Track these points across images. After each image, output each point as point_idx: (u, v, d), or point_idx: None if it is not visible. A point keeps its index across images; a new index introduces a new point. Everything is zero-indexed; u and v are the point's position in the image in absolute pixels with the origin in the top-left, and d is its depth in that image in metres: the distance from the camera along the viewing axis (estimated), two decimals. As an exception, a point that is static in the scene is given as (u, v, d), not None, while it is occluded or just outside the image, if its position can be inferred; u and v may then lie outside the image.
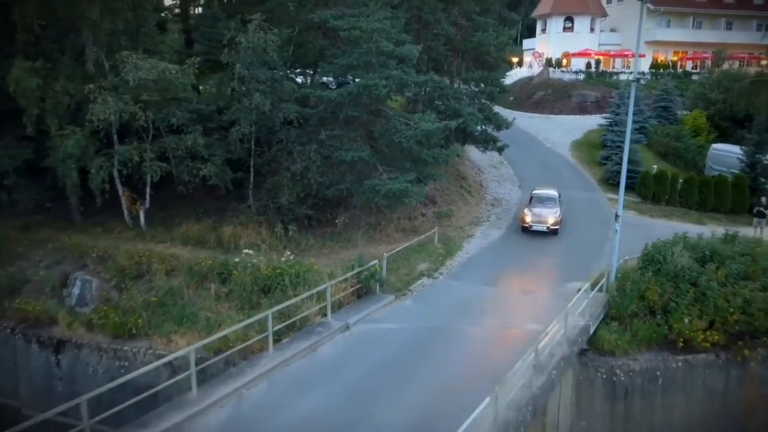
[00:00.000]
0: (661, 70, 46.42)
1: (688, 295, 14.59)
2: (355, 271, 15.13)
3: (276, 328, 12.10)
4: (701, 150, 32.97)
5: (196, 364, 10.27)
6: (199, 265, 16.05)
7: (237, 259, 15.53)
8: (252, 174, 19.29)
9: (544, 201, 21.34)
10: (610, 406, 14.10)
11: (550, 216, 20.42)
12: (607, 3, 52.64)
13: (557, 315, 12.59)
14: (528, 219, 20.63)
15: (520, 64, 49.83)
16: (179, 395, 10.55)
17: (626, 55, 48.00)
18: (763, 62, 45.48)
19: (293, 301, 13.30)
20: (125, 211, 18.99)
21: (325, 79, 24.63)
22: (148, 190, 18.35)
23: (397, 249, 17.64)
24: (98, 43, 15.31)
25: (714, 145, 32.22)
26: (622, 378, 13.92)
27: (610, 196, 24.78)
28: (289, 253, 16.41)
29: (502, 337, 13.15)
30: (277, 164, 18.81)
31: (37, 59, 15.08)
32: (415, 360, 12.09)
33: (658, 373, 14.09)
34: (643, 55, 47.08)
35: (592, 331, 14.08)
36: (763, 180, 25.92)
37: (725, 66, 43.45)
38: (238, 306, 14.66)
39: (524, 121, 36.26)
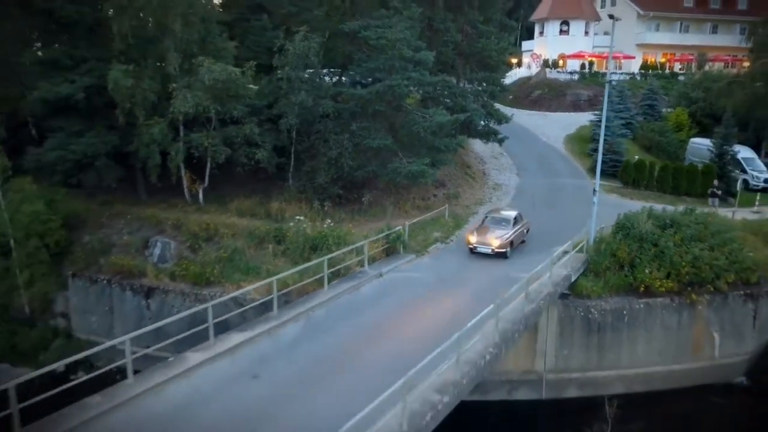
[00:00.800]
0: (650, 71, 50.48)
1: (649, 252, 18.61)
2: (384, 234, 19.17)
3: (327, 272, 16.07)
4: (682, 144, 37.14)
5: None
6: (257, 230, 20.06)
7: (291, 224, 19.54)
8: (293, 159, 23.31)
9: (497, 223, 20.55)
10: (586, 339, 18.15)
11: (495, 239, 19.56)
12: (601, 8, 56.69)
13: (558, 268, 16.70)
14: (473, 240, 19.84)
15: (519, 64, 53.82)
16: (263, 314, 14.58)
17: (618, 57, 52.05)
18: (745, 64, 49.58)
19: (339, 252, 17.32)
20: (185, 190, 22.96)
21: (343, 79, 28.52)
22: (207, 171, 22.34)
23: (415, 221, 21.67)
24: (178, 50, 19.30)
25: (692, 139, 36.42)
26: (596, 316, 17.98)
27: (598, 184, 28.71)
28: (329, 221, 20.44)
29: (502, 281, 17.16)
30: (314, 150, 22.83)
31: (129, 63, 19.05)
32: (434, 295, 16.15)
33: (624, 312, 18.14)
34: (633, 57, 51.25)
35: (573, 280, 18.11)
36: (729, 168, 30.06)
37: (706, 68, 47.57)
38: (292, 260, 18.63)
39: (522, 117, 40.30)
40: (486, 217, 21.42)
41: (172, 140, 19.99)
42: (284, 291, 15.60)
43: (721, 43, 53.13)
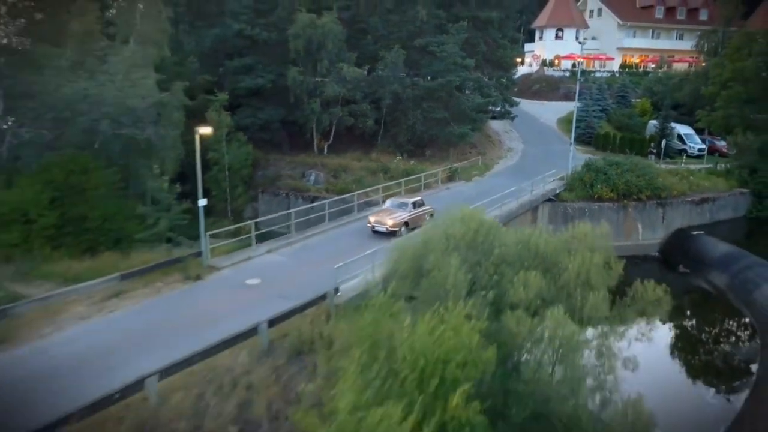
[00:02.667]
0: (625, 70, 65.64)
1: (601, 177, 33.54)
2: (447, 167, 34.14)
3: (420, 184, 30.94)
4: (644, 124, 52.21)
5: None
6: (370, 166, 34.91)
7: (395, 161, 34.48)
8: (383, 126, 38.19)
9: (397, 206, 24.57)
10: (564, 223, 33.13)
11: (389, 219, 23.25)
12: (589, 17, 71.81)
13: (548, 184, 31.73)
14: (372, 220, 23.73)
15: (522, 63, 68.77)
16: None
17: (602, 58, 67.21)
18: (703, 64, 64.72)
19: (425, 173, 32.23)
20: (315, 145, 37.77)
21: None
22: (332, 133, 37.18)
23: (461, 164, 36.57)
24: (328, 58, 34.10)
25: (650, 121, 51.51)
26: (570, 210, 32.95)
27: (577, 147, 43.65)
28: (413, 162, 35.38)
29: (519, 191, 31.92)
30: (397, 121, 37.68)
31: (299, 66, 33.79)
32: (479, 194, 31.08)
33: (586, 210, 33.06)
34: (613, 58, 66.46)
35: (557, 192, 33.11)
36: (669, 140, 45.17)
37: (665, 68, 62.90)
38: (395, 182, 33.47)
39: (525, 105, 55.09)
40: (388, 201, 25.77)
41: (321, 113, 34.79)
42: (398, 190, 30.49)
43: (685, 48, 68.09)
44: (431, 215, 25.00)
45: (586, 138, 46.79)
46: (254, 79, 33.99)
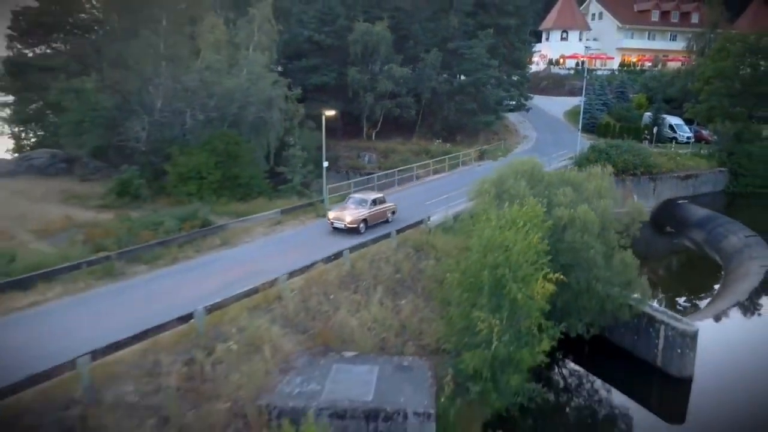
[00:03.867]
0: (624, 68, 74.66)
1: (603, 156, 42.35)
2: (478, 149, 42.91)
3: (458, 161, 39.69)
4: (640, 116, 61.13)
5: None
6: (413, 148, 43.60)
7: (434, 144, 43.22)
8: (421, 115, 46.90)
9: (356, 203, 24.73)
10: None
11: (348, 215, 23.67)
12: (591, 20, 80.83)
13: (560, 162, 40.54)
14: (331, 216, 24.18)
15: (530, 62, 77.62)
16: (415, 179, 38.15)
17: (602, 58, 76.21)
18: (694, 63, 73.74)
19: (457, 153, 40.98)
20: (364, 132, 46.41)
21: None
22: (380, 122, 45.85)
23: (486, 147, 45.32)
24: (380, 59, 42.74)
25: (645, 113, 60.45)
26: (578, 183, 41.70)
27: (582, 135, 52.46)
28: (449, 145, 44.12)
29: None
30: (433, 111, 46.43)
31: (358, 66, 42.38)
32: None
33: (591, 182, 41.84)
34: (612, 58, 75.46)
35: (567, 168, 41.87)
36: (660, 128, 54.07)
37: (660, 66, 71.98)
38: (435, 159, 42.17)
39: (535, 100, 63.77)
40: (349, 197, 25.79)
41: (373, 105, 43.40)
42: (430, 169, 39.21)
43: (678, 48, 77.18)
44: (393, 212, 25.62)
45: (589, 127, 55.55)
46: (320, 77, 42.53)
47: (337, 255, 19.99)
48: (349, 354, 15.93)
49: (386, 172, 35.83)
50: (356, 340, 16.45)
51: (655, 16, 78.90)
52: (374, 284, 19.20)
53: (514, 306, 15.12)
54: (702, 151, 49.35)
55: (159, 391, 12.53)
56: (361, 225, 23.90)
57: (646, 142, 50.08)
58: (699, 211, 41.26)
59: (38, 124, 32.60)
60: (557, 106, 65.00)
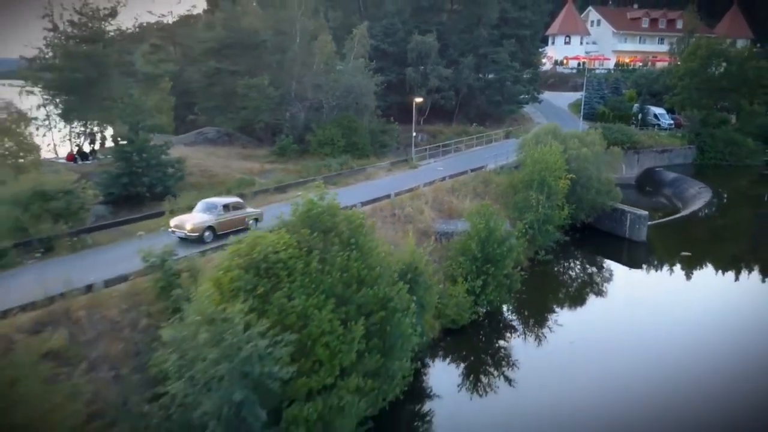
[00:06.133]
0: (619, 68, 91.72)
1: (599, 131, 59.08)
2: (504, 129, 59.59)
3: (491, 139, 56.38)
4: (631, 107, 78.01)
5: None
6: (454, 130, 60.18)
7: (471, 127, 59.90)
8: (458, 105, 63.58)
9: (205, 208, 24.12)
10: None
11: (189, 223, 22.87)
12: (590, 26, 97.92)
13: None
14: (171, 224, 23.43)
15: (540, 63, 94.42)
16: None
17: (600, 59, 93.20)
18: (677, 63, 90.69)
19: (489, 133, 57.66)
20: (414, 120, 62.98)
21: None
22: (427, 111, 62.51)
23: (510, 129, 62.00)
24: (430, 62, 59.30)
25: (635, 105, 77.36)
26: (581, 155, 58.51)
27: (583, 121, 69.11)
28: (482, 128, 60.80)
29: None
30: (469, 102, 63.12)
31: (412, 67, 58.86)
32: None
33: (590, 154, 58.63)
34: (609, 59, 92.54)
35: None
36: (646, 117, 70.82)
37: (649, 66, 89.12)
38: (470, 137, 58.73)
39: (544, 95, 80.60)
40: (200, 202, 24.91)
41: (425, 96, 60.01)
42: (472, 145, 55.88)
43: (665, 50, 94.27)
44: (257, 219, 24.55)
45: (589, 116, 72.30)
46: (385, 76, 59.00)
47: (442, 179, 36.48)
48: (461, 220, 32.37)
49: (440, 143, 52.26)
50: (464, 214, 32.87)
51: (645, 23, 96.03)
52: (465, 193, 35.67)
53: (549, 190, 31.62)
54: (677, 133, 66.22)
55: (394, 215, 28.91)
56: (207, 233, 23.18)
57: (634, 126, 66.85)
58: (670, 176, 58.06)
59: (212, 112, 48.90)
60: (562, 99, 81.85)
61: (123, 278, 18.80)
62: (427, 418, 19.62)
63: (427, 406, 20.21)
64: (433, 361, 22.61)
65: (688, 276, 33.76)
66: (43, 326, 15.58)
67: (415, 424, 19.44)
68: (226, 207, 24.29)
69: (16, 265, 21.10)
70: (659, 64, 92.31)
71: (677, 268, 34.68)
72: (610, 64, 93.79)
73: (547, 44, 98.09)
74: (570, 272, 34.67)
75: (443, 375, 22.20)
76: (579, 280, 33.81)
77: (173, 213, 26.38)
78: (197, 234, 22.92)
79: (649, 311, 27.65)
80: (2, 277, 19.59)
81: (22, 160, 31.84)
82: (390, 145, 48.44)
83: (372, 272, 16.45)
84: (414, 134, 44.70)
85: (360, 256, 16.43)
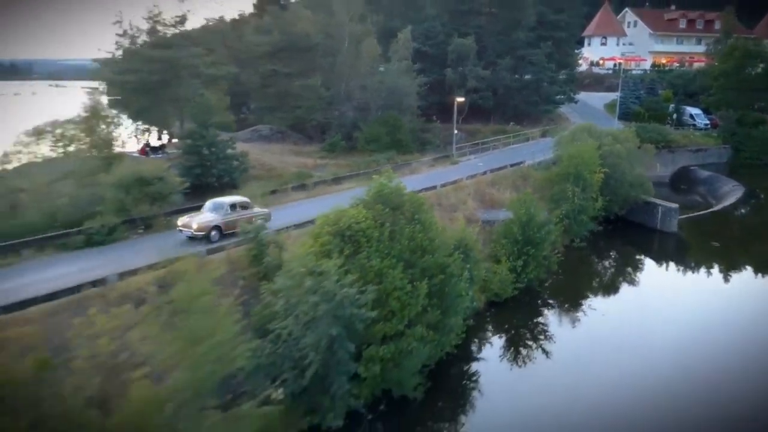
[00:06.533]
0: (655, 68, 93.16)
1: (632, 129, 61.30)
2: (540, 128, 62.31)
3: (527, 137, 59.18)
4: (667, 107, 79.67)
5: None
6: (492, 129, 63.13)
7: (509, 126, 62.80)
8: (496, 105, 66.49)
9: (212, 208, 24.94)
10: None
11: (196, 222, 23.84)
12: (627, 27, 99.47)
13: None
14: (179, 223, 24.37)
15: (576, 64, 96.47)
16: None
17: (636, 59, 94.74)
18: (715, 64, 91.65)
19: (525, 132, 60.45)
20: (455, 117, 66.17)
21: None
22: (466, 110, 65.59)
23: (546, 128, 64.65)
24: (469, 64, 62.40)
25: (671, 105, 78.99)
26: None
27: (618, 121, 71.14)
28: (518, 127, 63.62)
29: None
30: (506, 101, 65.99)
31: (452, 68, 62.01)
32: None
33: (625, 153, 60.90)
34: (645, 59, 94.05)
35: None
36: (682, 117, 72.53)
37: (685, 66, 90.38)
38: (508, 135, 61.57)
39: (580, 95, 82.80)
40: (208, 202, 25.83)
41: (464, 95, 63.13)
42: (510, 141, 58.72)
43: (702, 51, 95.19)
44: (264, 219, 24.82)
45: (625, 116, 74.33)
46: (427, 77, 62.33)
47: (483, 173, 39.61)
48: (502, 210, 35.45)
49: (478, 141, 55.29)
50: (504, 205, 35.94)
51: (682, 24, 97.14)
52: (505, 186, 38.74)
53: (584, 183, 34.48)
54: (711, 133, 67.83)
55: (440, 205, 32.21)
56: (213, 233, 23.88)
57: (669, 126, 68.69)
58: (704, 174, 59.90)
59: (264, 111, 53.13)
60: (598, 100, 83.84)
61: (220, 249, 22.58)
62: (474, 377, 22.82)
63: (473, 365, 23.43)
64: (479, 327, 25.79)
65: (716, 264, 36.26)
66: (165, 282, 19.38)
67: (463, 382, 22.65)
68: (233, 207, 25.10)
69: (125, 239, 25.18)
70: (696, 65, 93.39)
71: (705, 257, 37.20)
72: (647, 64, 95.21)
73: (583, 45, 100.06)
74: (603, 258, 37.52)
75: (487, 340, 25.42)
76: (611, 266, 36.67)
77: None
78: (203, 233, 23.80)
79: (675, 294, 30.36)
80: (120, 247, 23.65)
81: (106, 153, 36.33)
82: (432, 142, 51.77)
83: (432, 243, 19.82)
84: (456, 132, 47.85)
85: (422, 229, 19.80)
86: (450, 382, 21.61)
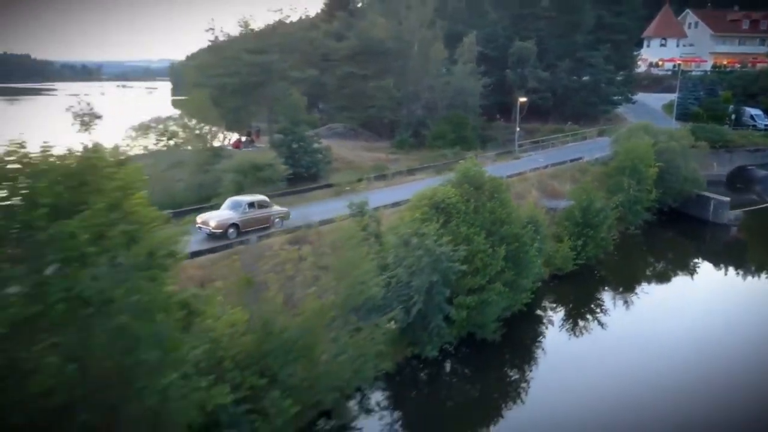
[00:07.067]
0: (716, 69, 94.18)
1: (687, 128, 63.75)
2: (597, 128, 65.54)
3: (584, 135, 62.56)
4: (726, 108, 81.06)
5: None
6: (550, 129, 66.74)
7: (566, 126, 66.30)
8: (554, 105, 70.01)
9: (231, 206, 25.89)
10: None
11: (213, 220, 24.72)
12: (688, 29, 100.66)
13: None
14: (198, 220, 24.96)
15: (634, 65, 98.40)
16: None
17: (696, 61, 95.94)
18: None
19: (583, 131, 63.80)
20: (512, 118, 70.07)
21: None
22: (525, 110, 69.46)
23: (604, 128, 67.79)
24: (530, 65, 66.30)
25: (730, 106, 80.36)
26: (672, 153, 63.50)
27: (675, 121, 73.32)
28: (576, 126, 67.02)
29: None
30: (564, 102, 69.44)
31: (513, 70, 66.00)
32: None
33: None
34: (705, 61, 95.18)
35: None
36: (742, 118, 74.06)
37: (747, 67, 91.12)
38: (565, 134, 65.05)
39: (638, 96, 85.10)
40: (227, 200, 26.85)
41: (524, 95, 67.06)
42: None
43: (765, 51, 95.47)
44: (283, 218, 26.50)
45: (683, 117, 76.42)
46: (488, 78, 66.58)
47: (544, 167, 43.70)
48: (563, 199, 39.46)
49: (537, 139, 59.16)
50: (565, 195, 39.95)
51: (745, 25, 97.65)
52: (564, 179, 42.71)
53: (640, 176, 38.18)
54: (771, 133, 69.34)
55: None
56: (231, 230, 24.82)
57: (727, 126, 70.57)
58: (761, 173, 61.89)
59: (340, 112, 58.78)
60: (656, 100, 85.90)
61: (330, 221, 27.78)
62: (538, 334, 27.16)
63: (538, 324, 27.82)
64: (544, 294, 30.11)
65: (765, 254, 39.36)
66: (295, 243, 24.66)
67: (530, 336, 27.00)
68: (251, 205, 26.04)
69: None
70: (759, 65, 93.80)
71: (755, 248, 40.16)
72: (707, 65, 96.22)
73: (642, 47, 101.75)
74: (655, 245, 41.27)
75: (550, 305, 29.82)
76: (662, 252, 40.37)
77: (339, 185, 35.52)
78: (221, 231, 24.63)
79: (719, 280, 33.88)
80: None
81: (204, 146, 42.55)
82: (496, 138, 55.97)
83: (509, 216, 24.37)
84: (518, 129, 52.02)
85: (500, 205, 24.38)
86: (519, 334, 26.04)
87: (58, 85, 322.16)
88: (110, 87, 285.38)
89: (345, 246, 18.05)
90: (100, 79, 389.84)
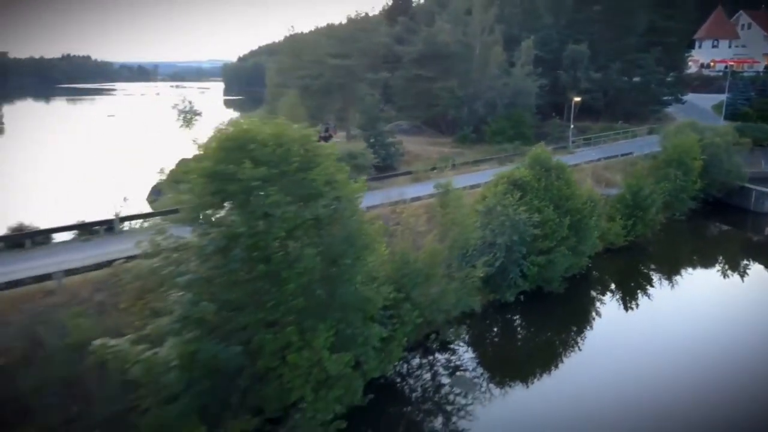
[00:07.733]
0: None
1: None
2: (647, 126, 70.11)
3: (634, 134, 67.34)
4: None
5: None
6: (600, 127, 71.66)
7: (617, 124, 71.19)
8: (605, 105, 74.84)
9: None
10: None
11: None
12: (740, 30, 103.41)
13: None
14: None
15: (685, 66, 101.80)
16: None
17: (749, 62, 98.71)
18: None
19: (634, 130, 68.54)
20: (572, 114, 75.22)
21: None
22: (577, 109, 74.54)
23: (653, 126, 72.27)
24: (582, 67, 71.40)
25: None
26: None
27: (724, 121, 76.97)
28: (627, 125, 71.75)
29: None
30: (615, 102, 74.22)
31: (566, 72, 71.15)
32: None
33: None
34: (758, 62, 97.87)
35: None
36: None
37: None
38: (616, 132, 69.86)
39: (688, 96, 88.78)
40: None
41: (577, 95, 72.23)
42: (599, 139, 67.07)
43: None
44: None
45: (732, 116, 79.95)
46: (543, 79, 71.94)
47: (598, 160, 49.09)
48: (615, 188, 44.82)
49: (589, 136, 64.24)
50: (617, 185, 45.24)
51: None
52: (616, 171, 48.03)
53: (686, 168, 43.29)
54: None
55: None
56: None
57: (776, 124, 73.99)
58: (811, 170, 65.39)
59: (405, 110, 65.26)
60: (706, 101, 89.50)
61: (417, 198, 34.16)
62: (593, 298, 32.87)
63: (593, 286, 33.57)
64: (598, 264, 35.78)
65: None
66: (377, 219, 31.09)
67: (585, 298, 32.71)
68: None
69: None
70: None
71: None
72: (760, 66, 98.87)
73: (693, 48, 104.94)
74: (698, 229, 46.46)
75: (604, 272, 35.50)
76: (704, 235, 45.43)
77: (416, 172, 41.90)
78: None
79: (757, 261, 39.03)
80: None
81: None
82: (551, 135, 61.44)
83: (573, 194, 30.26)
84: (571, 126, 57.48)
85: (566, 184, 30.30)
86: (578, 292, 31.88)
87: (117, 85, 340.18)
88: (164, 87, 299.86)
89: (452, 207, 24.36)
90: (155, 80, 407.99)
